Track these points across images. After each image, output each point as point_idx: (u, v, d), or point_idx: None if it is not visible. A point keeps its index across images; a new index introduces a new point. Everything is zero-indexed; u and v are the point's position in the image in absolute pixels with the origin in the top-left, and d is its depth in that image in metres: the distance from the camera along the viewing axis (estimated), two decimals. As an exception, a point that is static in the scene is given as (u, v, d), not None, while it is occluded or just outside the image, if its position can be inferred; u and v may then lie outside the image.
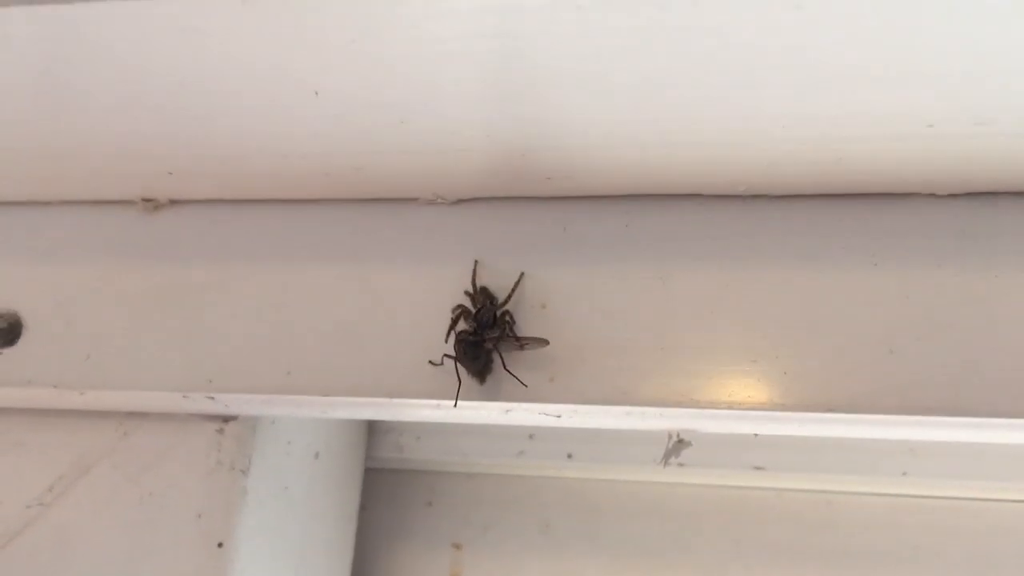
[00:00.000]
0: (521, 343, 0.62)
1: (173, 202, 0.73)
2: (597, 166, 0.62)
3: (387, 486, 0.95)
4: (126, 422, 0.72)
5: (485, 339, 0.61)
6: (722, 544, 0.88)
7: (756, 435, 0.73)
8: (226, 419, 0.70)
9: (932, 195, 0.62)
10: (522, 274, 0.66)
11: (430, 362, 0.63)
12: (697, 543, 0.89)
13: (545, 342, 0.62)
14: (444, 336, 0.63)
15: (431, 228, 0.68)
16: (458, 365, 0.62)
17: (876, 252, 0.62)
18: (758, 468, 0.85)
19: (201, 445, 0.70)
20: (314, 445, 0.81)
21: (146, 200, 0.72)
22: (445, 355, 0.63)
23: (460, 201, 0.68)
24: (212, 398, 0.67)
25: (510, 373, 0.61)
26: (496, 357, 0.62)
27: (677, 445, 0.65)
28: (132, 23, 0.52)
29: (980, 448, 0.81)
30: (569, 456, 0.89)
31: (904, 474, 0.83)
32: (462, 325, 0.63)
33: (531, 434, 0.89)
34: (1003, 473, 0.81)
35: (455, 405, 0.62)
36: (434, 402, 0.64)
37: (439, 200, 0.68)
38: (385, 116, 0.58)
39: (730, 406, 0.60)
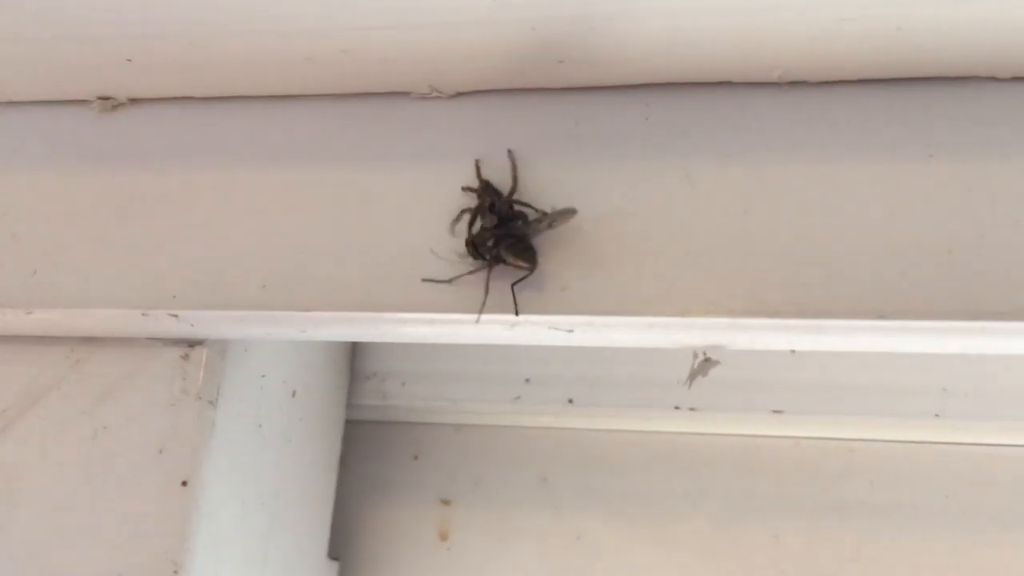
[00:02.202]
0: (549, 221, 0.55)
1: (133, 101, 0.65)
2: (617, 43, 0.55)
3: (370, 438, 0.87)
4: (78, 348, 0.64)
5: (514, 229, 0.54)
6: (735, 498, 0.81)
7: (793, 352, 0.66)
8: (192, 343, 0.62)
9: (992, 78, 0.55)
10: (510, 151, 0.58)
11: (435, 280, 0.56)
12: (707, 497, 0.81)
13: (572, 211, 0.55)
14: (464, 243, 0.56)
15: (426, 125, 0.61)
16: (490, 270, 0.54)
17: (932, 143, 0.55)
18: (776, 412, 0.78)
19: (163, 372, 0.62)
20: (291, 382, 0.73)
21: (103, 99, 0.64)
22: (473, 259, 0.55)
23: (459, 94, 0.61)
24: (175, 316, 0.59)
25: (513, 296, 0.54)
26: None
27: (703, 364, 0.58)
28: None
29: (1021, 386, 0.75)
30: (570, 401, 0.81)
31: (936, 415, 0.76)
32: (477, 227, 0.56)
33: (527, 377, 0.82)
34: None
35: (478, 320, 0.55)
36: (428, 316, 0.57)
37: (435, 93, 0.61)
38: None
39: (766, 314, 0.53)
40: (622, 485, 0.82)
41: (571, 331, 0.56)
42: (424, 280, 0.56)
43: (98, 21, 0.56)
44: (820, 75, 0.56)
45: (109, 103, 0.64)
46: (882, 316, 0.52)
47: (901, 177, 0.54)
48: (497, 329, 0.57)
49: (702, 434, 0.82)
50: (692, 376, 0.58)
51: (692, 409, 0.79)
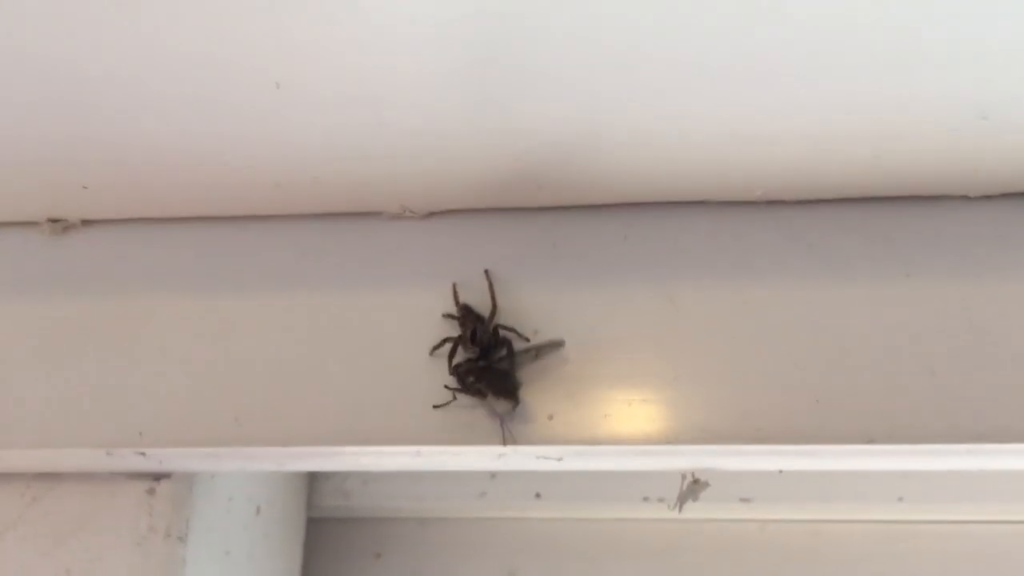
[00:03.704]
0: (536, 352, 0.54)
1: (86, 223, 0.62)
2: (597, 169, 0.55)
3: (330, 537, 0.84)
4: (34, 485, 0.60)
5: (497, 362, 0.53)
6: (705, 583, 0.81)
7: (780, 471, 0.66)
8: (157, 477, 0.60)
9: (964, 197, 0.56)
10: (487, 271, 0.57)
11: (435, 406, 0.54)
12: (677, 584, 0.81)
13: (560, 343, 0.55)
14: (447, 370, 0.55)
15: (399, 246, 0.59)
16: (487, 401, 0.53)
17: (908, 261, 0.55)
18: (744, 500, 0.78)
19: (128, 509, 0.59)
20: (255, 499, 0.70)
21: (53, 221, 0.61)
22: (456, 390, 0.54)
23: (431, 214, 0.59)
24: (143, 454, 0.57)
25: (501, 426, 0.53)
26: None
27: (693, 486, 0.57)
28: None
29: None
30: (537, 496, 0.80)
31: (900, 499, 0.77)
32: (460, 356, 0.55)
33: (493, 473, 0.80)
34: (1007, 495, 0.76)
35: (504, 443, 0.53)
36: (414, 448, 0.55)
37: (407, 214, 0.59)
38: (359, 113, 0.49)
39: (757, 440, 0.53)
40: (593, 574, 0.82)
41: (560, 459, 0.55)
42: (436, 407, 0.55)
43: (57, 154, 0.54)
44: (799, 195, 0.56)
45: (60, 225, 0.61)
46: (871, 440, 0.52)
47: (880, 297, 0.55)
48: (485, 459, 0.56)
49: (670, 520, 0.82)
50: (682, 499, 0.58)
51: (660, 500, 0.79)
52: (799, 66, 0.47)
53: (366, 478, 0.82)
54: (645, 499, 0.79)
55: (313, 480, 0.82)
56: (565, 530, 0.83)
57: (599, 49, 0.46)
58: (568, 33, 0.45)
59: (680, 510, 0.58)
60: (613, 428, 0.54)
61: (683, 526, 0.82)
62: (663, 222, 0.58)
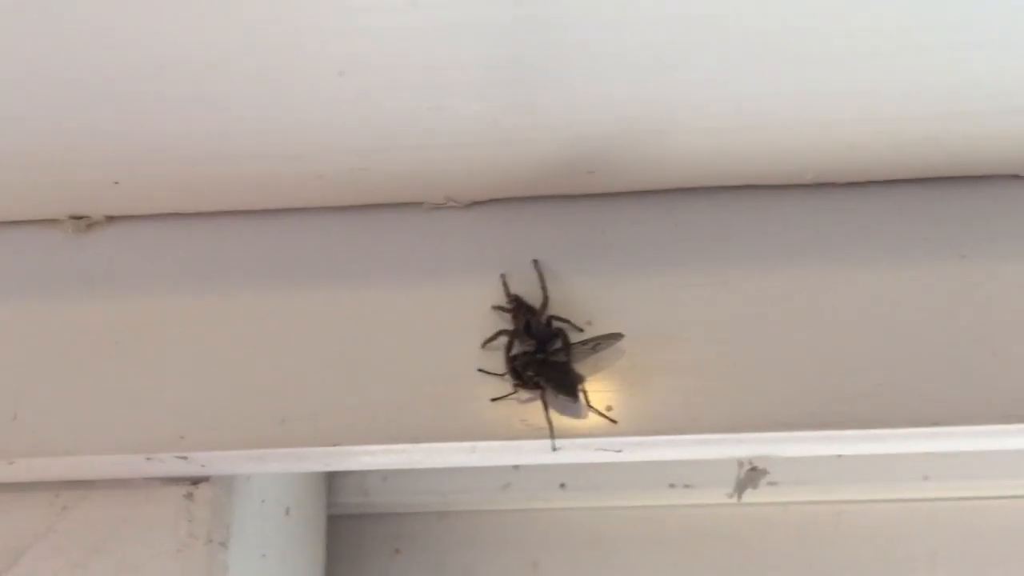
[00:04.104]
0: (593, 344, 0.53)
1: (111, 219, 0.59)
2: (651, 155, 0.53)
3: (350, 533, 0.83)
4: (63, 493, 0.58)
5: (553, 354, 0.52)
6: (729, 567, 0.81)
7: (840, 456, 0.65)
8: (195, 481, 0.58)
9: (1015, 176, 0.56)
10: (535, 261, 0.56)
11: (493, 399, 0.53)
12: (701, 568, 0.81)
13: (619, 336, 0.54)
14: (503, 367, 0.53)
15: (442, 238, 0.58)
16: (545, 395, 0.52)
17: (963, 243, 0.55)
18: (771, 484, 0.78)
19: (165, 515, 0.57)
20: (284, 500, 0.68)
21: (75, 218, 0.59)
22: (516, 384, 0.52)
23: (474, 204, 0.58)
24: (184, 458, 0.55)
25: (594, 410, 0.52)
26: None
27: (751, 474, 0.56)
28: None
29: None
30: (562, 486, 0.79)
31: (925, 478, 0.77)
32: (516, 348, 0.53)
33: (517, 464, 0.79)
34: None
35: (553, 448, 0.52)
36: (469, 445, 0.54)
37: (450, 203, 0.58)
38: (418, 100, 0.47)
39: (820, 426, 0.52)
40: (617, 563, 0.81)
41: (619, 451, 0.54)
42: (493, 399, 0.53)
43: (90, 144, 0.51)
44: (850, 176, 0.56)
45: (83, 222, 0.59)
46: (935, 423, 0.52)
47: (936, 279, 0.54)
48: (541, 453, 0.54)
49: (695, 506, 0.82)
50: (740, 487, 0.57)
51: (687, 486, 0.78)
52: (863, 48, 0.46)
53: (386, 474, 0.80)
54: (671, 486, 0.79)
55: (332, 477, 0.80)
56: (589, 519, 0.82)
57: (659, 34, 0.45)
58: (628, 18, 0.44)
59: (739, 499, 0.57)
60: (673, 418, 0.53)
61: (708, 511, 0.82)
62: (712, 207, 0.57)
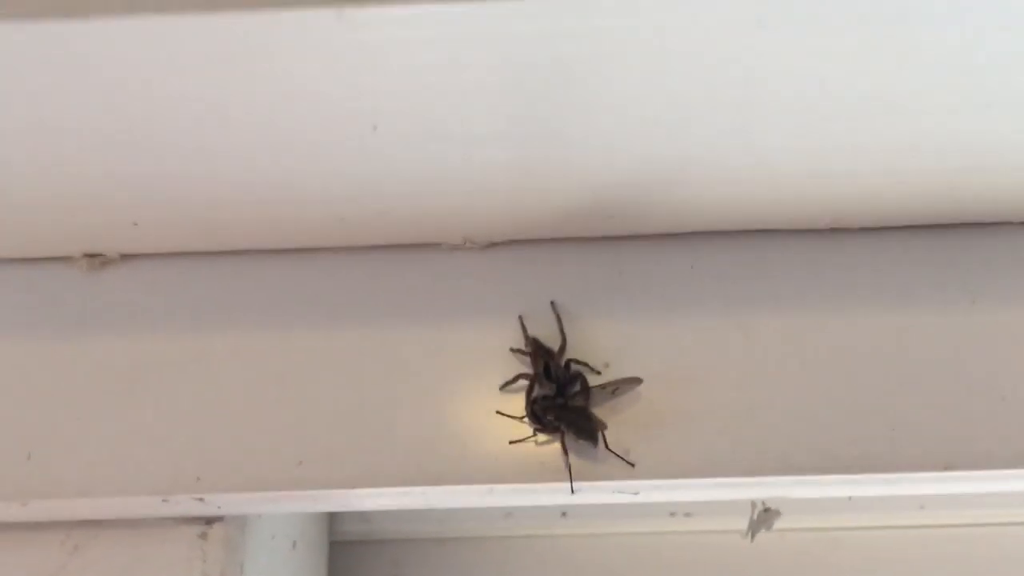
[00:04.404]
0: (612, 388, 0.53)
1: (125, 257, 0.59)
2: (672, 201, 0.54)
3: (349, 560, 0.82)
4: (74, 533, 0.57)
5: (572, 397, 0.52)
6: (728, 594, 0.82)
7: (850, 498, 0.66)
8: (209, 520, 0.57)
9: (1023, 224, 0.57)
10: (553, 303, 0.57)
11: (511, 442, 0.53)
12: (700, 596, 0.82)
13: (638, 380, 0.54)
14: (523, 410, 0.53)
15: (459, 279, 0.58)
16: (564, 439, 0.52)
17: (973, 288, 0.56)
18: (766, 508, 0.79)
19: (179, 556, 0.57)
20: (292, 533, 0.68)
21: (90, 256, 0.58)
22: (537, 428, 0.53)
23: (492, 244, 0.58)
24: (201, 499, 0.54)
25: (614, 454, 0.52)
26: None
27: (764, 515, 0.57)
28: (155, 44, 0.39)
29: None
30: (564, 515, 0.80)
31: (921, 507, 0.78)
32: (536, 391, 0.54)
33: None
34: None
35: (572, 491, 0.52)
36: (486, 488, 0.54)
37: (467, 244, 0.58)
38: (452, 151, 0.47)
39: (836, 470, 0.53)
40: (617, 591, 0.82)
41: (636, 493, 0.54)
42: (512, 442, 0.54)
43: (113, 187, 0.51)
44: (865, 222, 0.57)
45: (97, 260, 0.58)
46: (948, 468, 0.53)
47: (948, 324, 0.55)
48: (559, 496, 0.55)
49: (694, 533, 0.82)
50: (754, 529, 0.58)
51: (687, 515, 0.79)
52: (887, 105, 0.47)
53: (388, 502, 0.80)
54: (672, 514, 0.79)
55: (334, 506, 0.80)
56: (590, 547, 0.82)
57: (686, 92, 0.46)
58: (656, 76, 0.45)
59: (752, 539, 0.58)
60: (690, 462, 0.54)
61: (708, 539, 0.82)
62: (729, 251, 0.58)
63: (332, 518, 0.80)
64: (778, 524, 0.82)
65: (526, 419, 0.54)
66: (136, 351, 0.57)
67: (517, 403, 0.55)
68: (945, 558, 0.81)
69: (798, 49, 0.43)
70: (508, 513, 0.80)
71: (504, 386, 0.55)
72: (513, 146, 0.48)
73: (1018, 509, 0.78)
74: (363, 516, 0.81)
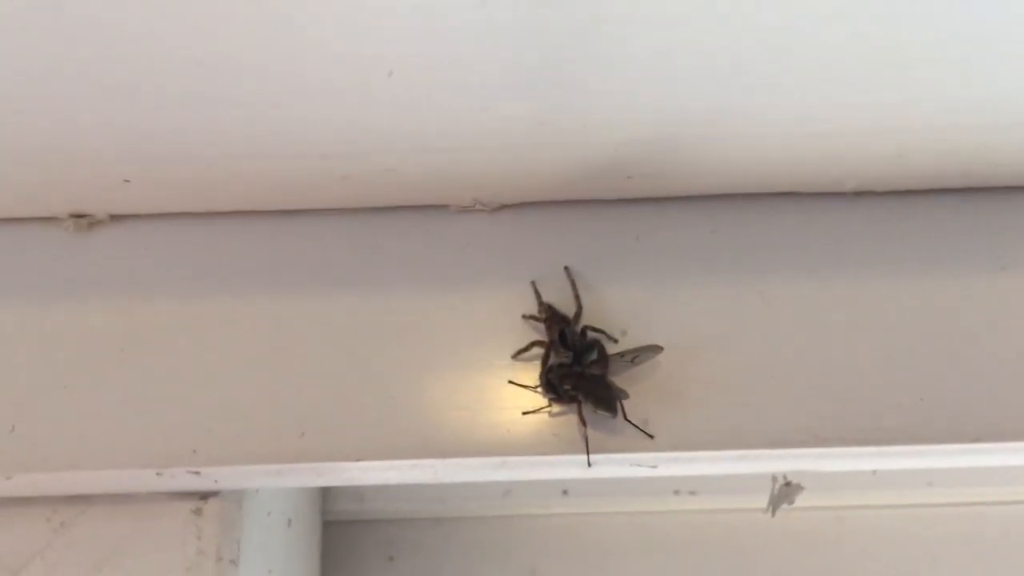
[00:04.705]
0: (631, 357, 0.51)
1: (115, 218, 0.56)
2: (694, 160, 0.52)
3: (343, 540, 0.80)
4: (60, 509, 0.54)
5: (589, 366, 0.50)
6: (731, 573, 0.80)
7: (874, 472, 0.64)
8: (204, 495, 0.54)
9: (1056, 187, 0.55)
10: (567, 268, 0.54)
11: (524, 412, 0.51)
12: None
13: (658, 348, 0.51)
14: (537, 379, 0.51)
15: (468, 242, 0.55)
16: (581, 409, 0.49)
17: (1002, 254, 0.54)
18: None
19: (172, 532, 0.54)
20: (287, 510, 0.66)
21: (77, 216, 0.55)
22: (551, 398, 0.50)
23: (503, 207, 0.55)
24: (197, 473, 0.52)
25: (633, 424, 0.50)
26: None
27: (786, 489, 0.55)
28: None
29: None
30: (564, 492, 0.77)
31: (929, 484, 0.77)
32: (551, 359, 0.51)
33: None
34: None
35: (588, 464, 0.50)
36: (499, 460, 0.52)
37: (477, 206, 0.55)
38: (468, 101, 0.44)
39: (861, 442, 0.51)
40: (618, 570, 0.79)
41: (655, 467, 0.52)
42: (525, 413, 0.51)
43: (104, 141, 0.48)
44: (891, 185, 0.54)
45: (85, 220, 0.55)
46: (977, 439, 0.51)
47: (976, 290, 0.54)
48: (575, 468, 0.52)
49: (697, 511, 0.80)
50: (775, 503, 0.56)
51: (692, 493, 0.77)
52: (912, 60, 0.45)
53: (383, 480, 0.78)
54: (676, 492, 0.77)
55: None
56: (589, 525, 0.80)
57: (718, 42, 0.43)
58: (687, 23, 0.42)
59: (773, 514, 0.56)
60: (712, 434, 0.51)
61: (711, 517, 0.80)
62: (751, 214, 0.55)
63: (325, 497, 0.77)
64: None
65: (539, 388, 0.51)
66: (127, 317, 0.54)
67: (531, 373, 0.52)
68: (951, 536, 0.79)
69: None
70: (507, 491, 0.77)
71: (517, 354, 0.53)
72: (532, 96, 0.45)
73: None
74: (357, 495, 0.78)
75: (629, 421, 0.51)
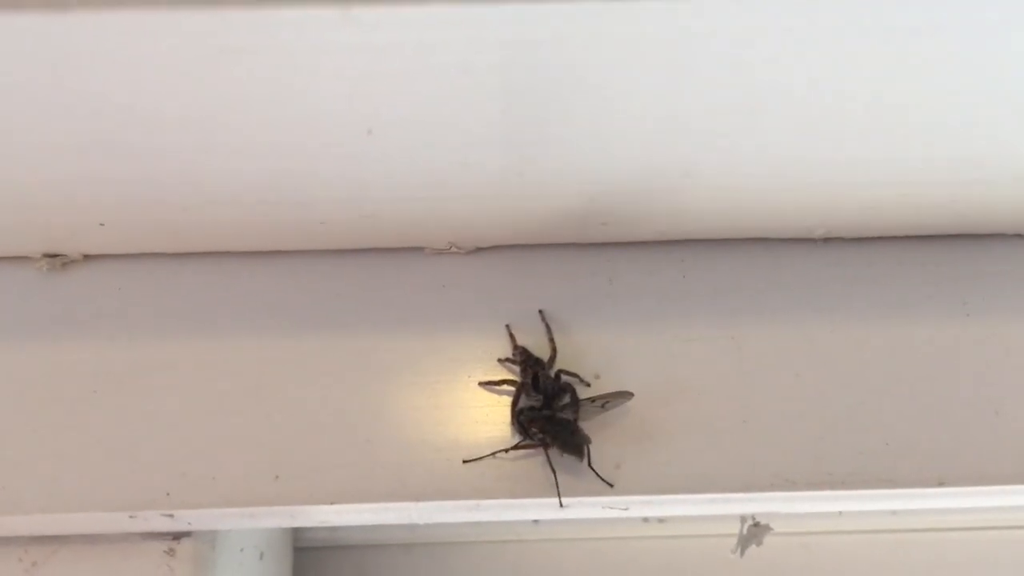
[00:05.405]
0: (602, 402, 0.51)
1: (88, 257, 0.55)
2: (666, 207, 0.52)
3: (313, 567, 0.80)
4: (32, 549, 0.54)
5: (560, 410, 0.50)
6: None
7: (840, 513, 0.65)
8: (176, 536, 0.54)
9: (1018, 236, 0.56)
10: (541, 311, 0.55)
11: (494, 454, 0.51)
12: (671, 601, 0.81)
13: (629, 395, 0.52)
14: (510, 420, 0.51)
15: (443, 284, 0.56)
16: (549, 452, 0.50)
17: (967, 300, 0.55)
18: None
19: (146, 572, 0.54)
20: (259, 544, 0.66)
21: (50, 256, 0.55)
22: (520, 442, 0.51)
23: (478, 249, 0.56)
24: (171, 516, 0.52)
25: (595, 472, 0.51)
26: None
27: (754, 529, 0.56)
28: (139, 36, 0.36)
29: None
30: (535, 521, 0.78)
31: (893, 514, 0.78)
32: (523, 401, 0.52)
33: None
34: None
35: (560, 505, 0.50)
36: (472, 503, 0.52)
37: (453, 249, 0.55)
38: (446, 156, 0.45)
39: (830, 485, 0.52)
40: (588, 598, 0.80)
41: (626, 509, 0.53)
42: (465, 461, 0.52)
43: (84, 188, 0.48)
44: (860, 233, 0.55)
45: (58, 260, 0.55)
46: (942, 483, 0.52)
47: (942, 336, 0.55)
48: (547, 510, 0.53)
49: (666, 537, 0.81)
50: (743, 544, 0.57)
51: (660, 521, 0.78)
52: (888, 122, 0.46)
53: (355, 507, 0.78)
54: (645, 520, 0.78)
55: (299, 512, 0.77)
56: (559, 551, 0.81)
57: (684, 97, 0.44)
58: (653, 83, 0.43)
59: (742, 555, 0.57)
60: (684, 477, 0.52)
61: (680, 543, 0.81)
62: (721, 259, 0.56)
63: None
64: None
65: (513, 425, 0.52)
66: (100, 358, 0.54)
67: (505, 414, 0.53)
68: (916, 563, 0.81)
69: (796, 61, 0.42)
70: (478, 522, 0.77)
71: (487, 383, 0.53)
72: (511, 151, 0.45)
73: (991, 515, 0.78)
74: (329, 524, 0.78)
75: (591, 468, 0.51)
